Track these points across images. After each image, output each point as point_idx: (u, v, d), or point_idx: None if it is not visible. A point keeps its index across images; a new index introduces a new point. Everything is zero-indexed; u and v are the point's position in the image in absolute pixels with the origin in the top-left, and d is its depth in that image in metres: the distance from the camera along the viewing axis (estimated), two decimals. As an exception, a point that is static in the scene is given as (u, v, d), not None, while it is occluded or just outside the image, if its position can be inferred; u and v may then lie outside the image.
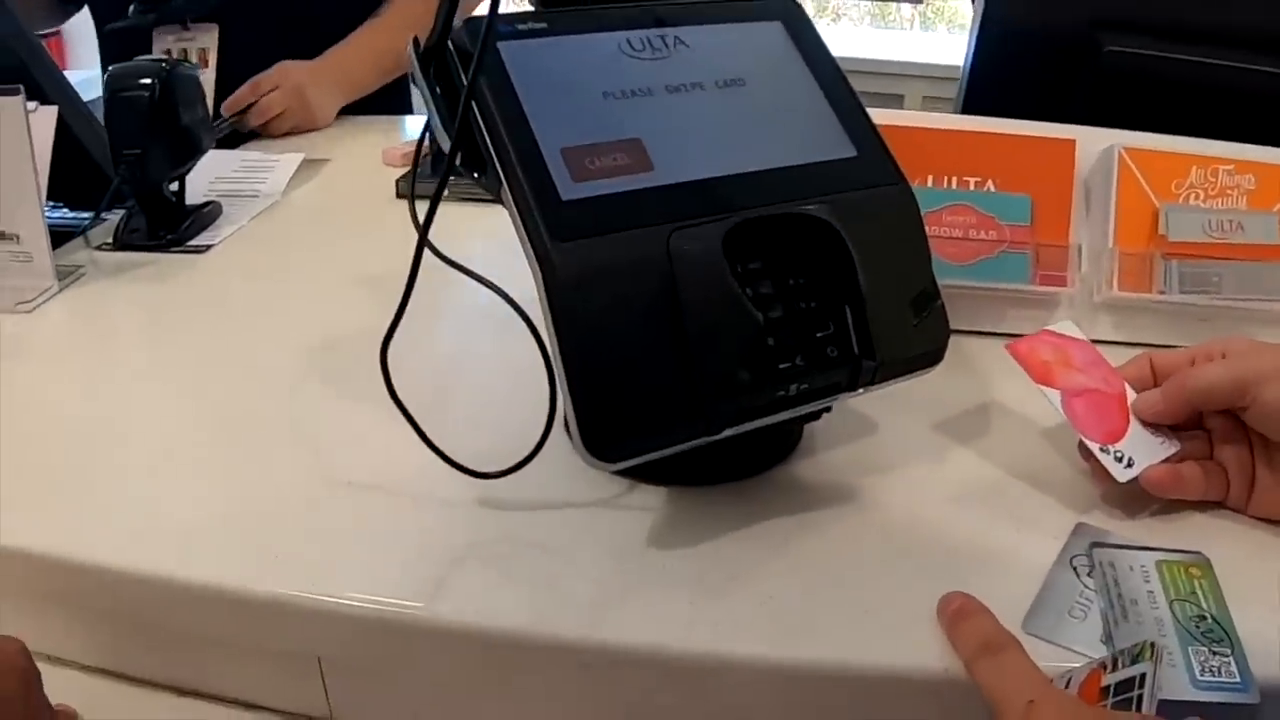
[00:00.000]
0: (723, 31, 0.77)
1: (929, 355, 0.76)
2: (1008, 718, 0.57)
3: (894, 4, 3.81)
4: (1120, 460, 0.75)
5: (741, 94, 0.75)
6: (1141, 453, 0.76)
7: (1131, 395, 0.78)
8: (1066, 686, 0.60)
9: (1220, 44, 1.15)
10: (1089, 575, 0.69)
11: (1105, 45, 1.18)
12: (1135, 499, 0.76)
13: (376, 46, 1.81)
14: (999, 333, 0.99)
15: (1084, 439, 0.76)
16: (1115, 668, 0.59)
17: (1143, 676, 0.57)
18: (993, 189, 1.01)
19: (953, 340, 0.77)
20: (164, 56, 1.30)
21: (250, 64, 1.69)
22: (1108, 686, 0.58)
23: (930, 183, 1.01)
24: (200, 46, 1.71)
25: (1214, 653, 0.62)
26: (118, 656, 0.79)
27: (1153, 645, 0.58)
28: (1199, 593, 0.67)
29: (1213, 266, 0.97)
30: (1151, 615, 0.65)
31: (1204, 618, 0.65)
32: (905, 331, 0.73)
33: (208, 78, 1.68)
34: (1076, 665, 0.61)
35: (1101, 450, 0.75)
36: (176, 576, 0.69)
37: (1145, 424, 0.77)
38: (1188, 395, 0.75)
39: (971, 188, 1.01)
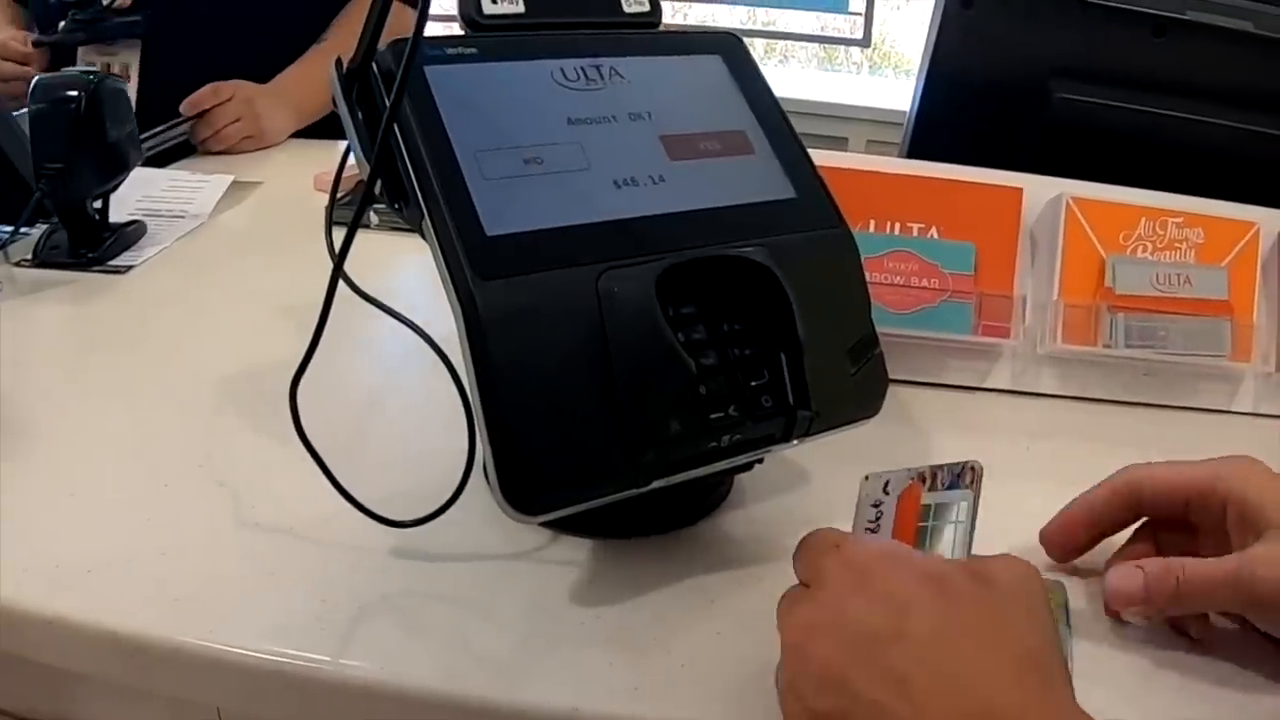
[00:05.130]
0: (660, 64, 0.75)
1: (867, 406, 0.74)
2: (813, 559, 0.58)
3: (843, 47, 3.82)
4: None
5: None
6: None
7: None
8: (884, 490, 0.63)
9: (1172, 95, 1.14)
10: None
11: (1055, 93, 1.17)
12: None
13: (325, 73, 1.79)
14: (939, 383, 0.97)
15: None
16: (935, 484, 0.61)
17: (962, 506, 0.59)
18: (936, 236, 0.99)
19: (892, 390, 0.75)
20: (92, 69, 1.26)
21: (171, 82, 1.68)
22: (927, 506, 0.60)
23: (872, 228, 0.99)
24: (123, 62, 1.70)
25: None
26: (9, 696, 0.76)
27: (973, 468, 0.60)
28: None
29: (1159, 320, 0.96)
30: None
31: None
32: (842, 381, 0.71)
33: (129, 91, 1.66)
34: (894, 470, 0.62)
35: None
36: (69, 616, 0.66)
37: None
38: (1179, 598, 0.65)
39: (914, 234, 0.99)
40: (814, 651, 0.52)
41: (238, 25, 1.78)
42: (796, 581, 0.58)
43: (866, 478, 0.65)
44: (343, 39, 1.82)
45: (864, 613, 0.52)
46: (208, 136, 1.70)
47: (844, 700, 0.50)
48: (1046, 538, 0.73)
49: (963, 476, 0.61)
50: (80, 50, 1.69)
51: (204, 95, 1.68)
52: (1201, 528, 0.68)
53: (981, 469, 0.61)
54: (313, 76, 1.81)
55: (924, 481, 0.62)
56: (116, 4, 1.61)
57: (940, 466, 0.62)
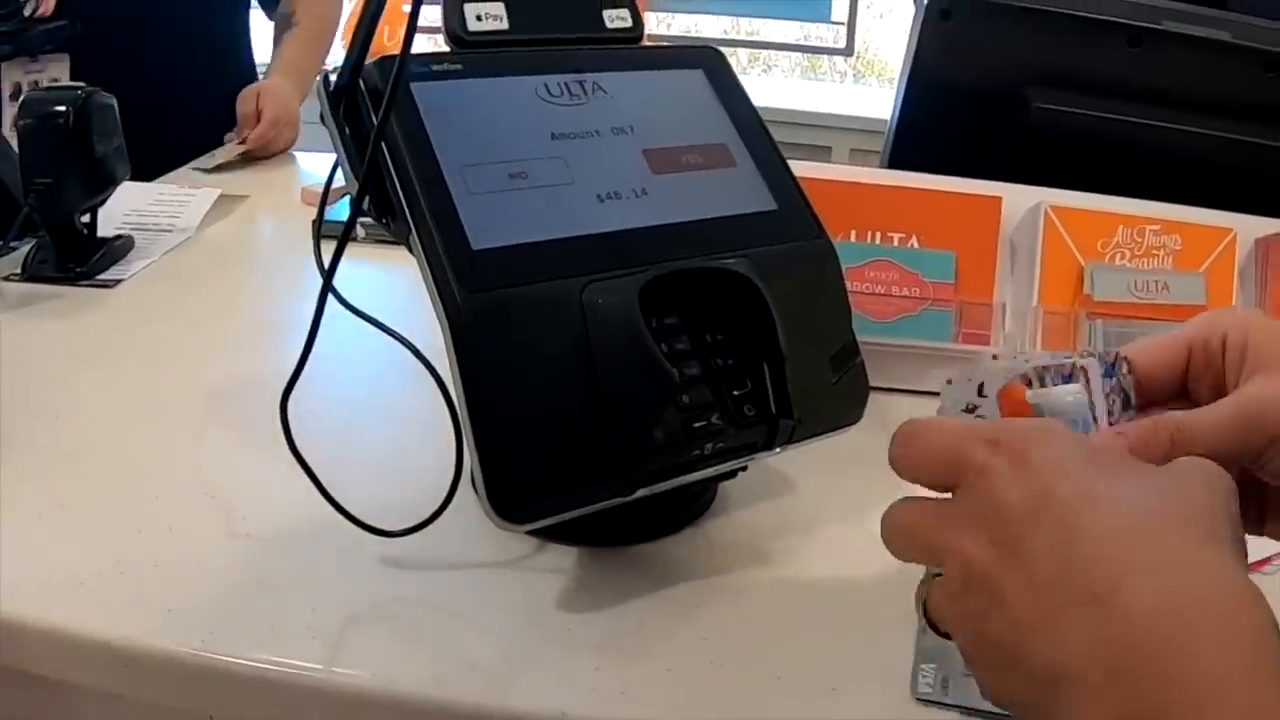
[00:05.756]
0: (643, 79, 0.76)
1: (848, 414, 0.75)
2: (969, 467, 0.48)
3: (826, 57, 3.83)
4: None
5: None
6: None
7: None
8: (980, 393, 0.53)
9: (1149, 104, 1.16)
10: None
11: (1033, 102, 1.18)
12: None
13: (311, 59, 1.83)
14: (920, 391, 0.98)
15: None
16: (1042, 382, 0.53)
17: (1082, 403, 0.52)
18: (917, 245, 1.00)
19: (873, 397, 0.76)
20: (80, 84, 1.26)
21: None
22: (1037, 405, 0.52)
23: (853, 238, 1.00)
24: (51, 77, 1.63)
25: None
26: (4, 706, 0.76)
27: (1085, 370, 0.52)
28: None
29: (1138, 327, 0.97)
30: None
31: None
32: (824, 389, 0.72)
33: None
34: (978, 367, 0.54)
35: None
36: (62, 627, 0.67)
37: None
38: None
39: (895, 244, 1.00)
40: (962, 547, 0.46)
41: (164, 26, 1.76)
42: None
43: (949, 382, 0.55)
44: (314, 16, 1.82)
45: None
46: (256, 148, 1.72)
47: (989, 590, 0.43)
48: None
49: (1074, 377, 0.53)
50: (4, 66, 1.62)
51: (265, 130, 1.68)
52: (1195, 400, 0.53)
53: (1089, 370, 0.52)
54: (305, 65, 1.82)
55: (1029, 384, 0.53)
56: (39, 12, 1.56)
57: (1045, 367, 0.53)
